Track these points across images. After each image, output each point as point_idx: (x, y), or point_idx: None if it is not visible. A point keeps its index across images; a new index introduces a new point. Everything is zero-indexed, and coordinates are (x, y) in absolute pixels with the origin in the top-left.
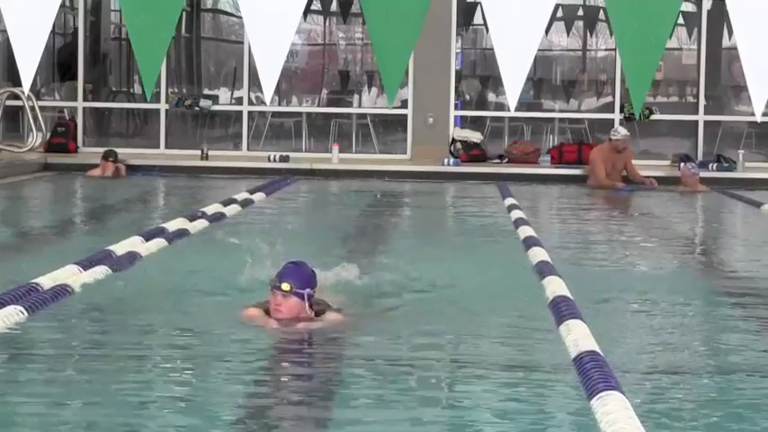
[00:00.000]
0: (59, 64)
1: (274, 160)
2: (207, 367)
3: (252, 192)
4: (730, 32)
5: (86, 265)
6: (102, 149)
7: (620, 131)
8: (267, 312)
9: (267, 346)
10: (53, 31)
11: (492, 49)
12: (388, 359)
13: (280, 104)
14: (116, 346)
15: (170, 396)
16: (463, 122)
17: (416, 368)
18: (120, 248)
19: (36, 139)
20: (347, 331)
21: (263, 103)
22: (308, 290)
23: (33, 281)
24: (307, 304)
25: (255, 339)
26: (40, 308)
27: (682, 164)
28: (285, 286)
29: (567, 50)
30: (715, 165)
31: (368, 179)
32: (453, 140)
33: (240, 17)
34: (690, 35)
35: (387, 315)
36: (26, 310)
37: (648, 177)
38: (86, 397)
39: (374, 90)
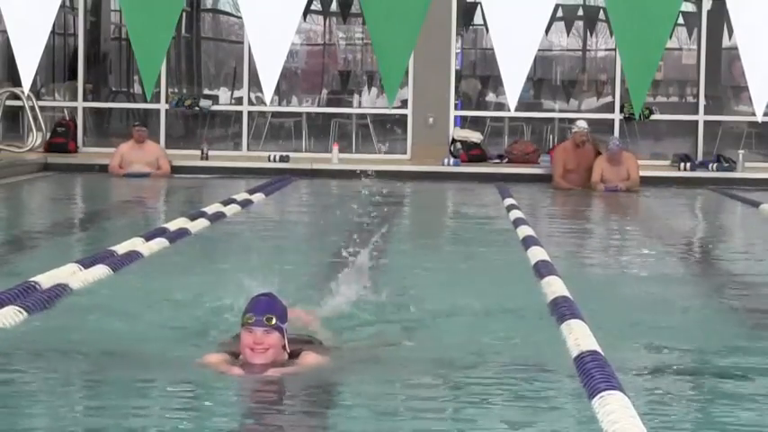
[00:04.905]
0: (59, 64)
1: (274, 160)
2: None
3: (251, 192)
4: (730, 32)
5: (87, 264)
6: (101, 150)
7: (579, 124)
8: (232, 354)
9: (233, 398)
10: (53, 31)
11: (492, 49)
12: (378, 389)
13: (280, 104)
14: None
15: None
16: (463, 122)
17: (414, 384)
18: (120, 249)
19: (36, 139)
20: (330, 374)
21: (263, 103)
22: (285, 324)
23: (31, 279)
24: (286, 341)
25: (218, 392)
26: (37, 307)
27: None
28: (268, 318)
29: (567, 50)
30: (715, 165)
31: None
32: (453, 140)
33: (240, 17)
34: (690, 35)
35: (377, 341)
36: (24, 309)
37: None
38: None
39: (374, 90)
